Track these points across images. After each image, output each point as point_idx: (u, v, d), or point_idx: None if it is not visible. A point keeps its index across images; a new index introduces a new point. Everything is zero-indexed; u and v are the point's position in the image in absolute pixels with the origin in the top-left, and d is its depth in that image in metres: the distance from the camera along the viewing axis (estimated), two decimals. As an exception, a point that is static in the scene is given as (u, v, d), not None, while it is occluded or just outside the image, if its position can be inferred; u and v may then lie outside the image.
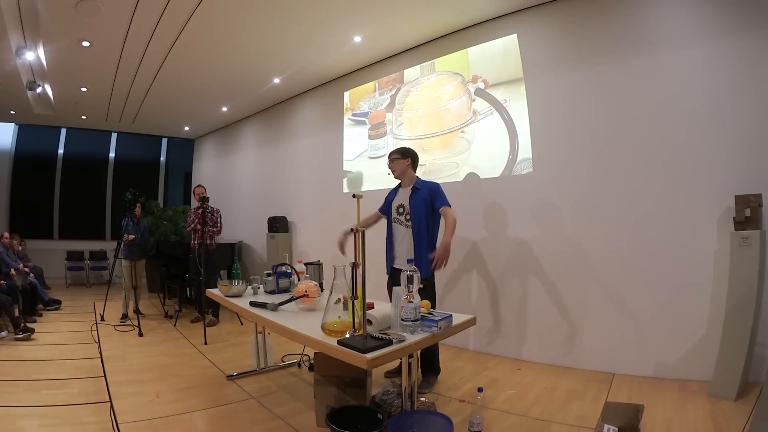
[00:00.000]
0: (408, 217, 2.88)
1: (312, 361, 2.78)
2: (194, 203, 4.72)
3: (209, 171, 8.53)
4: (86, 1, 3.46)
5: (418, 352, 2.79)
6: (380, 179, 4.74)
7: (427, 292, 2.69)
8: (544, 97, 3.53)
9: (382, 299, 2.17)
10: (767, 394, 1.73)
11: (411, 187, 2.91)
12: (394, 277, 2.82)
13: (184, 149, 9.21)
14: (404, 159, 2.95)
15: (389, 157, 3.02)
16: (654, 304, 2.94)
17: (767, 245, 2.53)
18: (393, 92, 4.69)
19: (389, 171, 3.04)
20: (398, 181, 3.03)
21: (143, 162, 8.90)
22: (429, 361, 2.88)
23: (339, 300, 1.82)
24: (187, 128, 8.29)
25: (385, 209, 3.04)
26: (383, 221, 3.05)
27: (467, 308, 3.75)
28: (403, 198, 2.94)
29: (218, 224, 4.67)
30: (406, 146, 3.13)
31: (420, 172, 3.11)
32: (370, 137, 4.92)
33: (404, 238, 2.89)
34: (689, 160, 2.87)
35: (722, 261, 2.66)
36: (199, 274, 4.16)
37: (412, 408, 1.92)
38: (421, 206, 2.82)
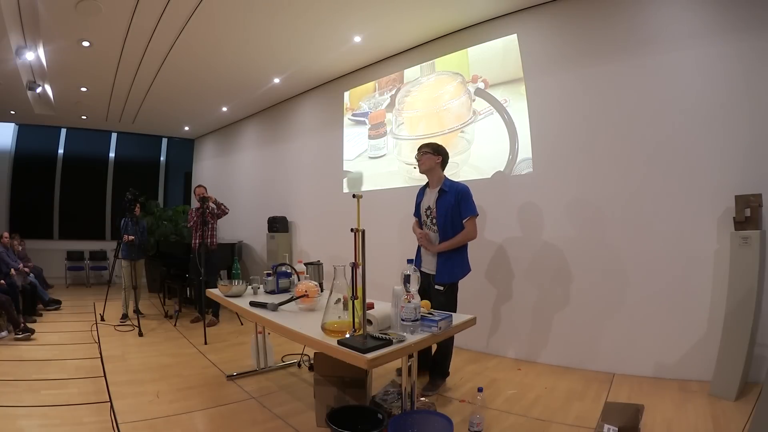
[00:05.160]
0: (434, 220, 2.78)
1: (312, 361, 2.78)
2: (195, 203, 4.72)
3: (209, 171, 8.53)
4: (86, 1, 3.46)
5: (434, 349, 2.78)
6: (380, 179, 4.74)
7: (447, 296, 2.67)
8: (544, 97, 3.53)
9: (383, 299, 2.17)
10: (767, 394, 1.72)
11: (438, 189, 2.80)
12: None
13: (184, 149, 9.21)
14: (435, 155, 2.79)
15: (420, 149, 2.85)
16: (654, 304, 2.94)
17: (767, 245, 2.53)
18: (393, 92, 4.69)
19: (415, 166, 2.91)
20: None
21: (143, 162, 8.89)
22: (440, 363, 2.83)
23: (339, 300, 1.82)
24: (187, 128, 8.29)
25: (417, 212, 2.98)
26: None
27: (467, 308, 3.74)
28: (430, 200, 2.84)
29: (221, 207, 4.64)
30: (439, 143, 2.95)
31: (419, 172, 3.08)
32: (370, 137, 4.92)
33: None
34: (689, 160, 2.87)
35: (722, 261, 2.66)
36: (199, 274, 4.16)
37: (412, 408, 1.92)
38: (448, 210, 2.72)
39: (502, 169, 3.74)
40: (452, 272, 2.72)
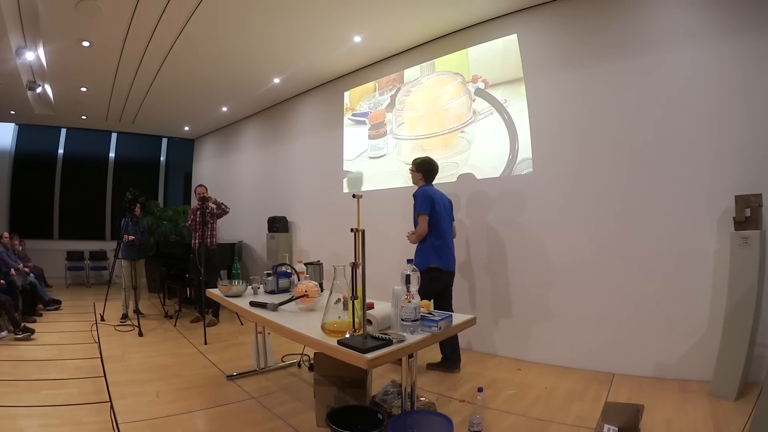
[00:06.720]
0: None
1: (312, 361, 2.78)
2: (195, 203, 4.72)
3: (209, 171, 8.53)
4: (86, 1, 3.46)
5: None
6: (380, 179, 4.74)
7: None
8: (544, 97, 3.53)
9: (383, 299, 2.17)
10: (767, 394, 1.72)
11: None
12: None
13: (184, 149, 9.21)
14: (417, 172, 3.22)
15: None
16: (654, 304, 2.94)
17: (767, 245, 2.53)
18: (393, 92, 4.69)
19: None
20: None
21: (143, 162, 8.89)
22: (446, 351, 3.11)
23: (339, 300, 1.82)
24: (187, 128, 8.29)
25: None
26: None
27: (467, 308, 3.76)
28: None
29: (222, 207, 4.65)
30: (425, 158, 3.29)
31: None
32: (370, 137, 4.92)
33: None
34: (689, 160, 2.87)
35: (722, 261, 2.66)
36: (199, 274, 4.16)
37: (412, 408, 1.92)
38: (413, 211, 3.13)
39: (501, 170, 3.74)
40: (417, 262, 3.01)
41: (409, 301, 1.76)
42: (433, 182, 3.27)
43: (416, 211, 3.07)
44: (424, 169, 3.21)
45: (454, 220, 3.33)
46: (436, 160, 3.30)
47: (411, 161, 3.30)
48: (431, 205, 3.04)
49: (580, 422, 2.26)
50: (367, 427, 1.80)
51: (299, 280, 2.73)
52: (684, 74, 2.91)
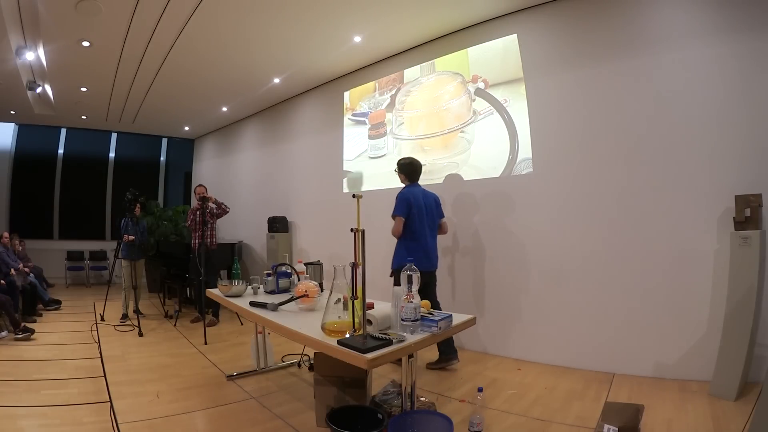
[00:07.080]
0: None
1: (312, 361, 2.78)
2: (195, 203, 4.72)
3: (209, 171, 8.53)
4: (86, 1, 3.46)
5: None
6: (380, 179, 4.74)
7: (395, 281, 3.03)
8: (544, 97, 3.53)
9: (383, 299, 2.17)
10: (767, 394, 1.72)
11: None
12: None
13: (184, 149, 9.21)
14: (400, 173, 3.30)
15: None
16: (654, 304, 2.94)
17: (767, 245, 2.53)
18: (393, 92, 4.69)
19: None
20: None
21: (143, 162, 8.89)
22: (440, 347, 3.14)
23: (339, 300, 1.82)
24: (187, 128, 8.29)
25: None
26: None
27: (467, 308, 3.75)
28: None
29: (222, 207, 4.66)
30: (407, 159, 3.34)
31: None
32: (370, 137, 4.92)
33: None
34: (689, 160, 2.87)
35: (722, 261, 2.66)
36: (199, 274, 4.16)
37: (412, 408, 1.93)
38: None
39: (501, 170, 3.74)
40: (393, 262, 3.16)
41: (410, 301, 1.76)
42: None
43: (392, 213, 3.12)
44: (407, 170, 3.27)
45: (443, 217, 3.35)
46: (420, 161, 3.35)
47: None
48: (408, 208, 3.09)
49: (580, 422, 2.26)
50: (367, 427, 1.80)
51: (299, 280, 2.74)
52: (684, 74, 2.91)
